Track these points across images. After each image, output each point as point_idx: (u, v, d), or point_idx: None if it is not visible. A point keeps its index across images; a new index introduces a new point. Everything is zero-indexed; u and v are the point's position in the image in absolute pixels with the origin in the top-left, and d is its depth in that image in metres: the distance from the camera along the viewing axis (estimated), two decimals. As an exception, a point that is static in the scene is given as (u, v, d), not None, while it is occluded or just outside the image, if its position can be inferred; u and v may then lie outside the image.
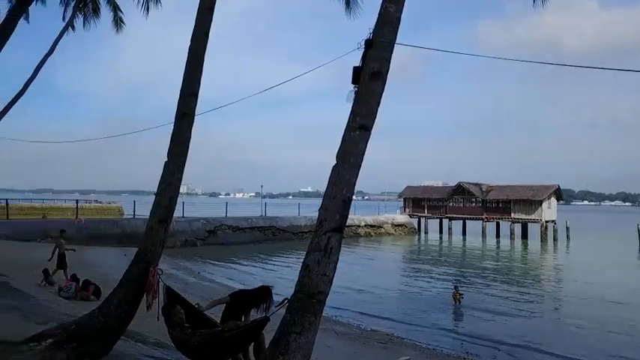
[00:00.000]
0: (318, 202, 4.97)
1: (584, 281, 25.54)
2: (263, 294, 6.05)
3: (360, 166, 4.99)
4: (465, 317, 17.36)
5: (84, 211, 42.82)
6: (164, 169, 6.67)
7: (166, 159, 6.72)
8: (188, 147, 6.91)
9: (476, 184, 55.91)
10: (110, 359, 6.14)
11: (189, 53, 7.03)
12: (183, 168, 6.83)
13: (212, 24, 7.14)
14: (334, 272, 4.67)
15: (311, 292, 4.52)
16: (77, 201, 43.99)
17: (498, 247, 46.50)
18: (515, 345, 13.89)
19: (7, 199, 38.62)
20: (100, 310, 6.11)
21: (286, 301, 4.63)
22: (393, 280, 25.67)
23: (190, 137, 6.96)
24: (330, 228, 4.67)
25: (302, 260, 4.78)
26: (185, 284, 20.45)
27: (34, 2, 15.56)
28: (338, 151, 4.99)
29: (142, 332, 9.63)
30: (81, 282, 15.04)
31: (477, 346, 13.89)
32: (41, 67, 17.18)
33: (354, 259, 31.29)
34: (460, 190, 55.79)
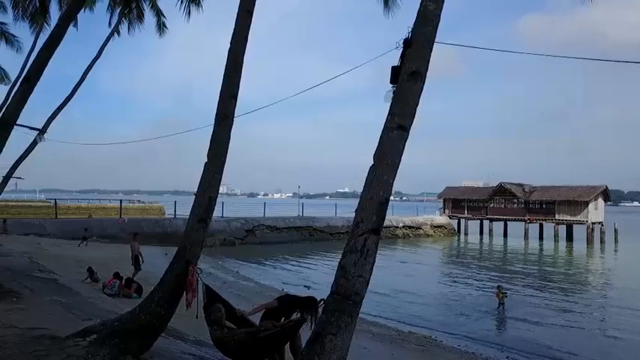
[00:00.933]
0: (355, 202, 4.93)
1: (633, 288, 24.46)
2: (309, 303, 5.99)
3: (397, 167, 4.91)
4: (505, 323, 16.91)
5: (127, 211, 44.15)
6: (204, 170, 6.76)
7: (206, 160, 6.81)
8: (227, 149, 6.97)
9: (518, 185, 54.53)
10: (151, 355, 6.28)
11: (228, 56, 7.09)
12: (222, 169, 6.91)
13: (251, 26, 7.19)
14: (370, 274, 4.62)
15: (347, 294, 4.48)
16: (121, 201, 45.42)
17: (541, 250, 45.18)
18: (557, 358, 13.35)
19: (55, 199, 40.27)
20: (141, 308, 6.24)
21: (322, 301, 4.61)
22: (429, 284, 25.26)
23: (230, 139, 7.02)
24: (366, 229, 4.62)
25: (338, 261, 4.75)
26: (224, 283, 20.76)
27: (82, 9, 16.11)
28: (375, 152, 4.92)
29: (182, 330, 9.83)
30: (124, 280, 15.48)
31: (516, 354, 13.53)
32: (89, 71, 17.78)
33: (389, 262, 30.97)
34: (502, 190, 54.52)
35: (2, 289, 10.07)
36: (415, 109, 5.01)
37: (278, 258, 32.28)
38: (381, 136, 4.94)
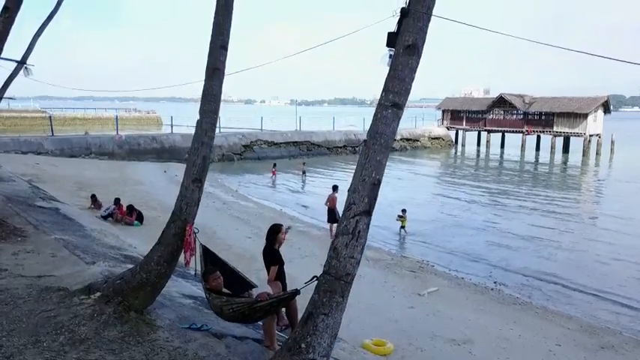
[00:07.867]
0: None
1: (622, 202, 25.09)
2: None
3: (390, 147, 4.87)
4: (492, 245, 17.33)
5: (123, 122, 43.92)
6: (196, 127, 6.65)
7: (198, 117, 6.69)
8: (219, 103, 6.84)
9: (519, 96, 53.90)
10: (153, 307, 6.61)
11: (217, 1, 6.71)
12: (215, 126, 6.81)
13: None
14: (362, 254, 4.77)
15: (339, 274, 4.64)
16: (117, 117, 44.83)
17: (537, 161, 45.76)
18: (544, 280, 14.01)
19: (50, 116, 39.79)
20: (141, 267, 6.45)
21: (315, 278, 4.79)
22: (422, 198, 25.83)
23: (221, 93, 6.87)
24: (358, 211, 4.69)
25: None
26: (223, 203, 21.22)
27: None
28: (369, 131, 4.85)
29: (182, 266, 10.22)
30: (125, 207, 15.79)
31: (504, 273, 14.36)
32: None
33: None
34: (501, 101, 53.98)
35: (7, 228, 10.26)
36: (410, 85, 4.85)
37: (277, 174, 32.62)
38: (375, 114, 4.84)
